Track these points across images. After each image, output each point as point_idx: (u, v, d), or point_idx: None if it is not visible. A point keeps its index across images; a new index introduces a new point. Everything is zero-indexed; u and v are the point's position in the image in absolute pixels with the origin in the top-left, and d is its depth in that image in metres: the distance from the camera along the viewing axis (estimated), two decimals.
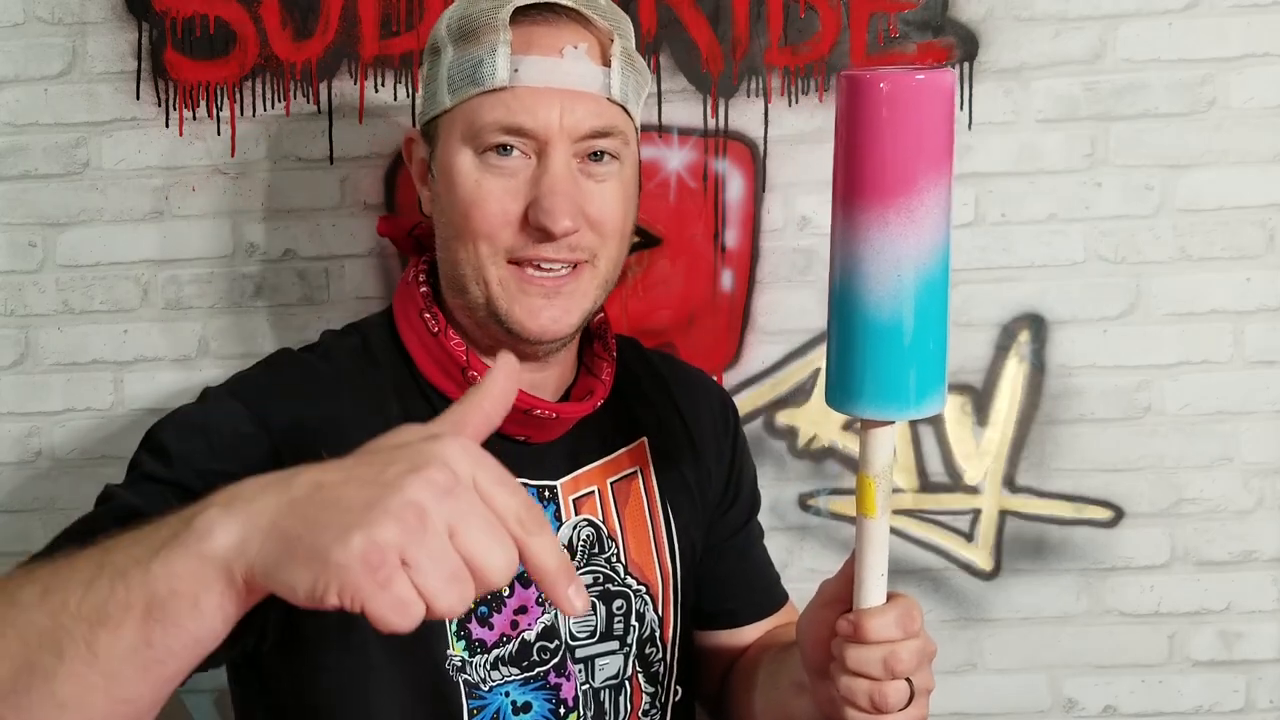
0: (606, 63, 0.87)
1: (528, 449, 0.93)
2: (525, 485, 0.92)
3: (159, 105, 1.33)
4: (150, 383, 1.36)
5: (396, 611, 0.48)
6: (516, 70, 0.84)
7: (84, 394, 1.36)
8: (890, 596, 0.78)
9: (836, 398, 0.74)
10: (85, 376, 1.36)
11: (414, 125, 1.31)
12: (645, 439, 1.02)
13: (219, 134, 1.34)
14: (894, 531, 1.36)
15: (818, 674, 0.82)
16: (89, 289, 1.35)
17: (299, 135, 1.33)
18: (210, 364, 1.36)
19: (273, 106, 1.33)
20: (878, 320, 0.70)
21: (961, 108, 1.32)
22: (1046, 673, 1.38)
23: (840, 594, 0.80)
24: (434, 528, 0.48)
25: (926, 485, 1.36)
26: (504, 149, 0.85)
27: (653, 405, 1.05)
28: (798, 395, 1.35)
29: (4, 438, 1.37)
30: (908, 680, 0.77)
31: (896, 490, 1.36)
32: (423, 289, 0.93)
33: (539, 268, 0.87)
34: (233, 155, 1.34)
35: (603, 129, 0.86)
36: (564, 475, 0.95)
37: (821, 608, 0.81)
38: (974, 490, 1.37)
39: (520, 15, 0.85)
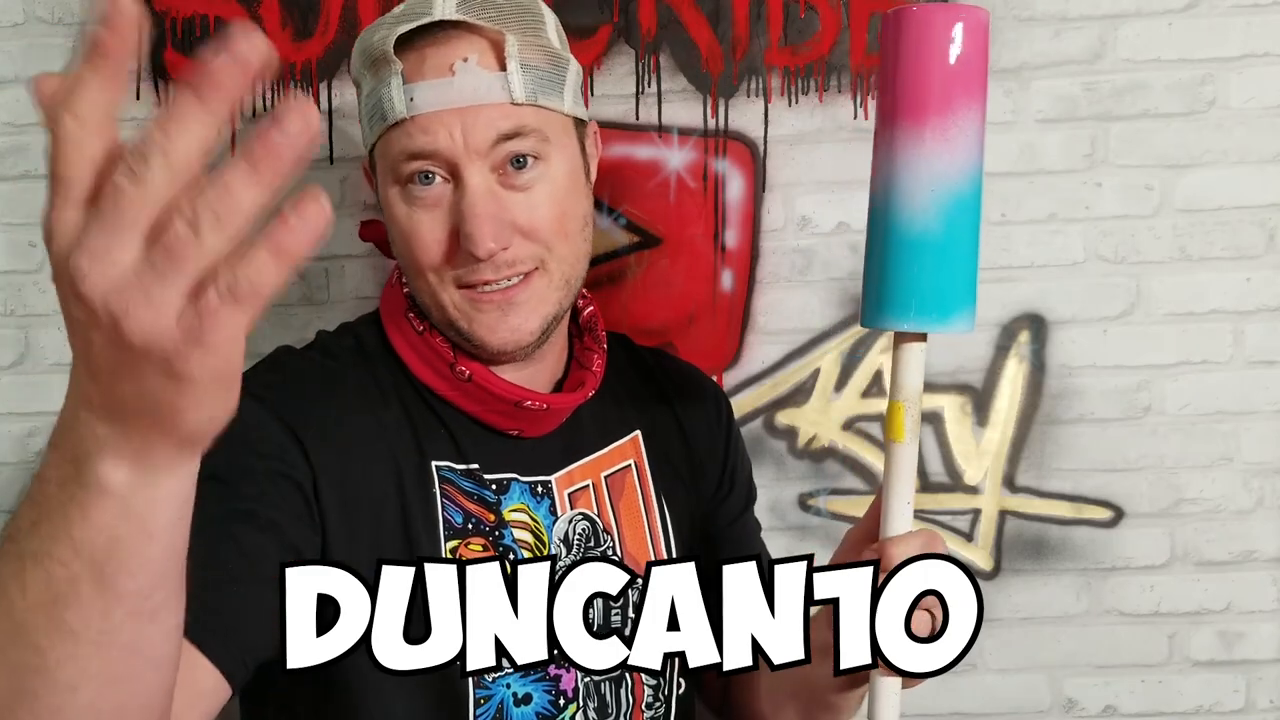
0: (503, 66, 0.84)
1: (521, 444, 0.94)
2: (519, 480, 0.93)
3: (159, 105, 1.33)
4: None
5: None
6: (412, 99, 0.83)
7: None
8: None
9: (871, 313, 0.77)
10: None
11: None
12: (638, 432, 1.02)
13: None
14: None
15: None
16: None
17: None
18: None
19: (273, 106, 1.33)
20: (910, 234, 0.75)
21: None
22: (1046, 673, 1.38)
23: (866, 536, 0.79)
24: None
25: (926, 485, 1.36)
26: (424, 176, 0.85)
27: (644, 399, 1.05)
28: (798, 395, 1.35)
29: (4, 438, 1.37)
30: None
31: None
32: (405, 290, 0.93)
33: (485, 287, 0.87)
34: (232, 155, 1.33)
35: (510, 132, 0.84)
36: (558, 470, 0.95)
37: (847, 554, 0.81)
38: (974, 490, 1.37)
39: (409, 40, 0.84)
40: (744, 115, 1.33)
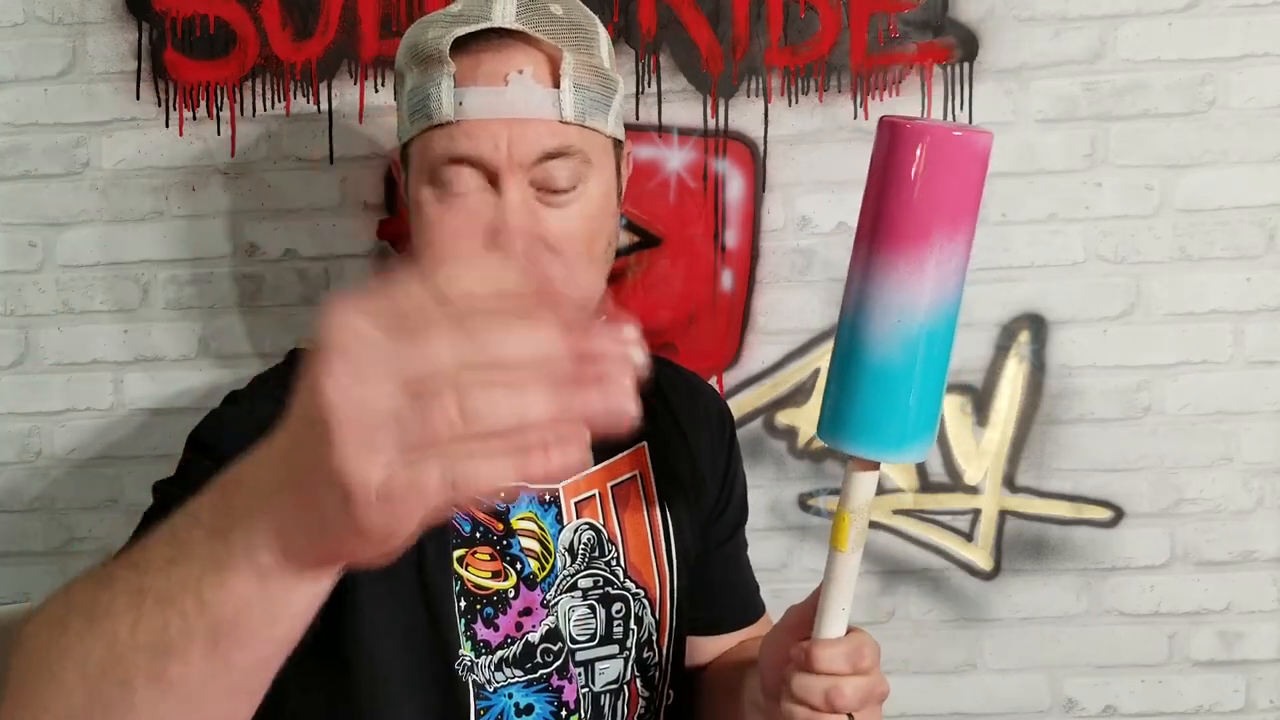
0: (557, 83, 0.84)
1: None
2: (527, 489, 0.93)
3: (159, 105, 1.33)
4: (150, 383, 1.36)
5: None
6: (461, 103, 0.82)
7: (84, 394, 1.36)
8: (850, 630, 0.77)
9: (825, 430, 0.74)
10: (85, 376, 1.36)
11: None
12: (645, 444, 1.02)
13: (219, 134, 1.34)
14: (894, 531, 1.36)
15: (773, 697, 0.81)
16: (89, 289, 1.35)
17: (299, 135, 1.33)
18: (210, 364, 1.36)
19: (273, 106, 1.33)
20: (870, 361, 0.70)
21: (961, 108, 1.32)
22: (1046, 673, 1.38)
23: (804, 620, 0.79)
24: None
25: (926, 485, 1.36)
26: (462, 180, 0.84)
27: (651, 411, 1.04)
28: (797, 395, 1.35)
29: (4, 438, 1.37)
30: (850, 717, 0.75)
31: (897, 490, 1.36)
32: None
33: None
34: (233, 155, 1.34)
35: (555, 150, 0.84)
36: (566, 479, 0.95)
37: (785, 632, 0.81)
38: (974, 490, 1.37)
39: (465, 42, 0.83)
40: (744, 115, 1.33)
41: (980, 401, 1.35)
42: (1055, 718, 1.39)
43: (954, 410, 1.35)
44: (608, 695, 0.94)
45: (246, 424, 0.81)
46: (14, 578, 1.38)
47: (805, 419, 1.35)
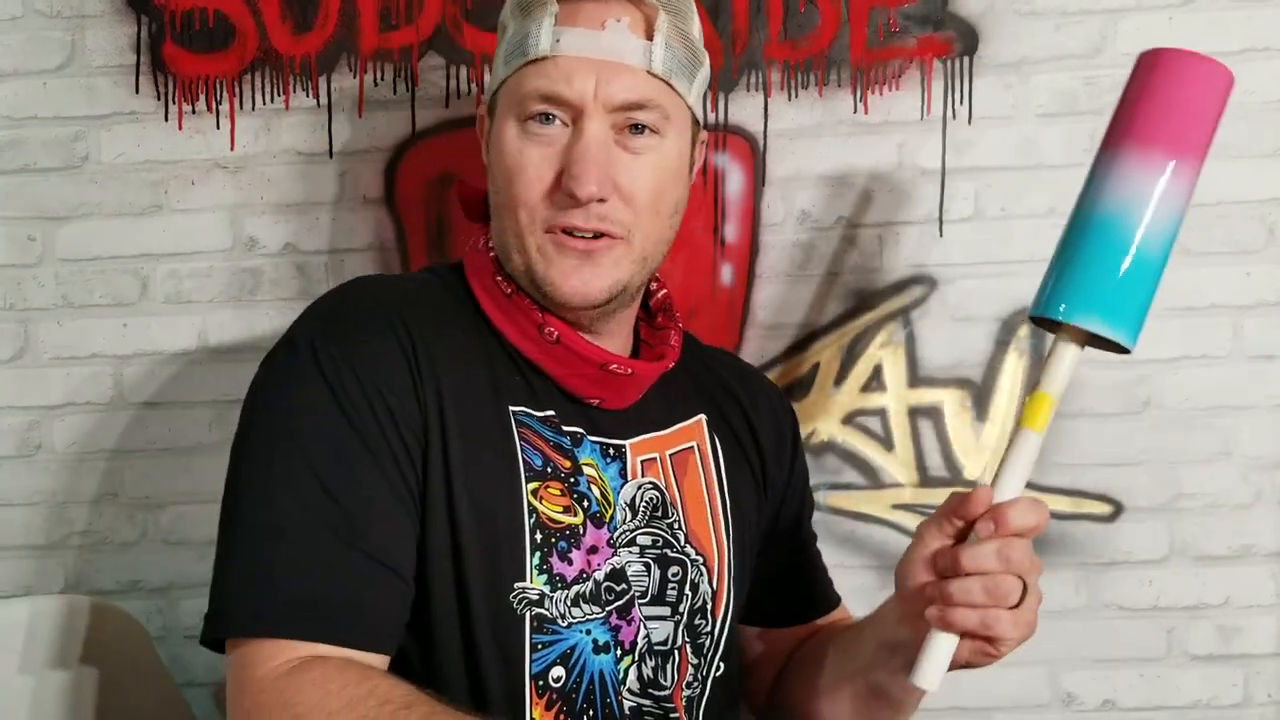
0: (650, 37, 0.89)
1: (600, 413, 0.96)
2: (595, 441, 0.95)
3: (158, 99, 1.33)
4: (150, 377, 1.36)
5: None
6: (559, 40, 0.87)
7: (84, 388, 1.36)
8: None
9: (1054, 304, 0.83)
10: (85, 370, 1.36)
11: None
12: (703, 416, 1.04)
13: (218, 128, 1.33)
14: (893, 526, 1.36)
15: (914, 616, 0.83)
16: (88, 283, 1.35)
17: (298, 129, 1.33)
18: (210, 358, 1.36)
19: (272, 100, 1.33)
20: (1149, 253, 0.81)
21: (961, 102, 1.32)
22: (1045, 667, 1.38)
23: (930, 552, 0.83)
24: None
25: (926, 480, 1.36)
26: (545, 118, 0.88)
27: (710, 388, 1.07)
28: (797, 390, 1.35)
29: (4, 431, 1.37)
30: (1022, 582, 0.80)
31: (895, 485, 1.36)
32: (492, 254, 0.96)
33: (572, 234, 0.89)
34: (232, 149, 1.34)
35: (639, 101, 0.88)
36: (632, 437, 0.97)
37: (923, 546, 0.83)
38: (973, 485, 1.36)
39: None
40: (744, 109, 1.33)
41: (980, 396, 1.35)
42: (1054, 712, 1.39)
43: (954, 405, 1.35)
44: (657, 656, 0.94)
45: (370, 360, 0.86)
46: (14, 571, 1.38)
47: (805, 414, 1.35)
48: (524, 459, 0.89)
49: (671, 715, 0.93)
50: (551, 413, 0.92)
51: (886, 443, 1.35)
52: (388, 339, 0.87)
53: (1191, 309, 1.34)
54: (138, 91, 1.33)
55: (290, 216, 1.34)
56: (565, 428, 0.93)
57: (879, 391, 1.35)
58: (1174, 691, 1.38)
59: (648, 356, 1.01)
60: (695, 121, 0.96)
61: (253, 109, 1.33)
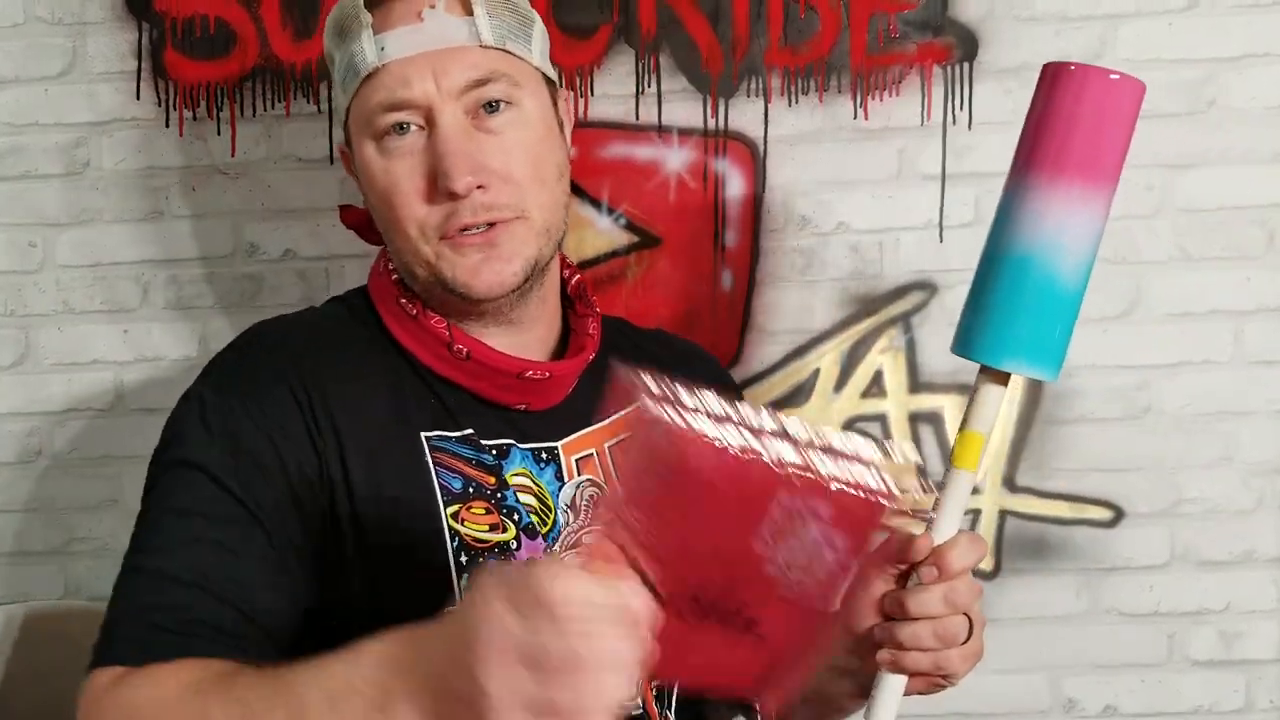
0: (470, 12, 0.86)
1: (527, 417, 0.94)
2: (526, 449, 0.93)
3: (159, 105, 1.33)
4: (151, 383, 1.36)
5: None
6: (383, 48, 0.85)
7: (84, 394, 1.37)
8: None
9: (972, 344, 0.81)
10: (85, 376, 1.36)
11: None
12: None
13: (219, 134, 1.34)
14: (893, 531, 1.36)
15: (868, 652, 0.83)
16: (89, 289, 1.36)
17: (299, 135, 1.34)
18: None
19: (273, 107, 1.33)
20: (1060, 288, 0.78)
21: (961, 107, 1.32)
22: (1046, 672, 1.38)
23: (881, 562, 0.83)
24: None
25: (926, 485, 1.36)
26: (400, 128, 0.86)
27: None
28: (797, 395, 1.35)
29: (4, 437, 1.37)
30: (966, 617, 0.81)
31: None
32: (394, 276, 0.94)
33: (465, 231, 0.87)
34: (233, 155, 1.34)
35: (482, 77, 0.86)
36: (564, 437, 0.95)
37: (866, 591, 0.83)
38: (974, 490, 1.36)
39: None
40: (744, 115, 1.33)
41: None
42: (1055, 717, 1.39)
43: (954, 410, 1.35)
44: None
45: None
46: (14, 577, 1.38)
47: (805, 419, 1.35)
48: (440, 484, 0.88)
49: (635, 714, 0.92)
50: (470, 431, 0.91)
51: None
52: (278, 390, 0.86)
53: (1192, 314, 1.34)
54: (139, 98, 1.33)
55: (291, 222, 1.34)
56: (487, 442, 0.91)
57: (879, 397, 1.35)
58: (1175, 697, 1.38)
59: (575, 347, 0.99)
60: (549, 80, 0.94)
61: (253, 115, 1.33)
